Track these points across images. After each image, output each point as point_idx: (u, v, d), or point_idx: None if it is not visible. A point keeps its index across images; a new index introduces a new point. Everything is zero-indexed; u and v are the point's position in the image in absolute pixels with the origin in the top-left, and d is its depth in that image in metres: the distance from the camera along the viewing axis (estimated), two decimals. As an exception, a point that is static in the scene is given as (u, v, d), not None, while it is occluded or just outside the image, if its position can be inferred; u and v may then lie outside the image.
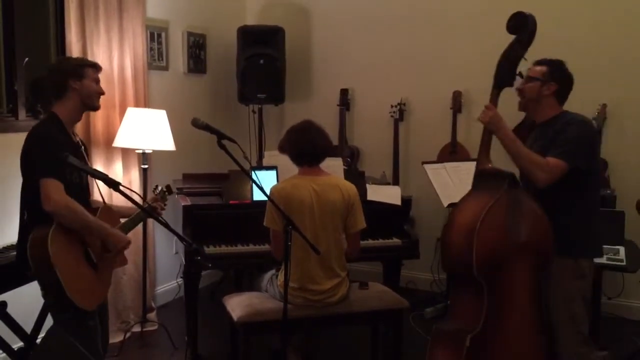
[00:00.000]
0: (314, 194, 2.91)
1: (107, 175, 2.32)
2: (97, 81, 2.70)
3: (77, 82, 2.60)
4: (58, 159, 2.28)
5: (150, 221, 3.89)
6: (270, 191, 2.92)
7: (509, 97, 2.85)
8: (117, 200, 3.25)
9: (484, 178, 2.69)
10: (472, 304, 2.57)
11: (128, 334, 3.83)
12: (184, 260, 3.35)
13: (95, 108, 2.74)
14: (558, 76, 2.75)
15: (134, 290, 3.98)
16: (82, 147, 2.74)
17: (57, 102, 2.62)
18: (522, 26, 2.64)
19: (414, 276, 4.81)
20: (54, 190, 2.40)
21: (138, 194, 2.82)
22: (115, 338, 3.76)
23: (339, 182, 3.04)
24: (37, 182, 2.40)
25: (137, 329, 3.93)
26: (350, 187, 3.02)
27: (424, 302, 4.42)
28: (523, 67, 2.77)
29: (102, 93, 2.73)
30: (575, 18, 4.35)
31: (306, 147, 2.95)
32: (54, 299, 2.44)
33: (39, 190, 2.40)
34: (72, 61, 2.74)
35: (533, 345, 2.62)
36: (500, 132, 2.68)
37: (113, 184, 2.25)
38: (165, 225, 2.26)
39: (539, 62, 2.79)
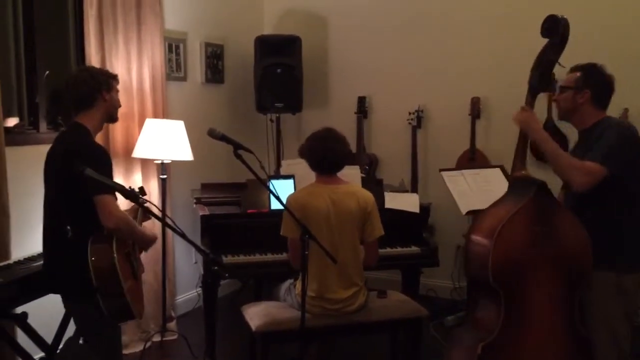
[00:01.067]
0: (331, 203, 2.91)
1: (125, 188, 2.33)
2: (118, 93, 2.73)
3: (108, 93, 2.61)
4: (75, 171, 2.29)
5: (169, 231, 3.91)
6: (287, 200, 2.92)
7: (538, 102, 2.78)
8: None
9: (516, 185, 2.64)
10: (489, 312, 2.52)
11: (148, 344, 3.85)
12: (202, 270, 3.36)
13: (116, 120, 2.77)
14: (592, 82, 2.64)
15: (154, 300, 4.00)
16: None
17: (82, 113, 2.59)
18: (553, 29, 2.56)
19: (434, 284, 4.77)
20: (114, 207, 2.42)
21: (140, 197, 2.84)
22: (136, 348, 3.79)
23: (355, 190, 3.03)
24: (91, 197, 2.39)
25: (157, 338, 3.94)
26: (368, 195, 3.00)
27: (445, 310, 4.38)
28: (562, 72, 2.69)
29: (121, 105, 2.77)
30: (597, 22, 4.28)
31: (325, 155, 2.94)
32: (110, 311, 2.43)
33: (87, 205, 2.40)
34: (102, 71, 2.73)
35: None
36: (534, 133, 2.62)
37: (132, 197, 2.26)
38: (182, 235, 2.27)
39: (572, 69, 2.69)
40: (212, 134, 2.53)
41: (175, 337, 4.04)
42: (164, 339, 3.96)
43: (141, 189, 3.00)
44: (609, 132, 2.56)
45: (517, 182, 2.64)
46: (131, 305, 2.42)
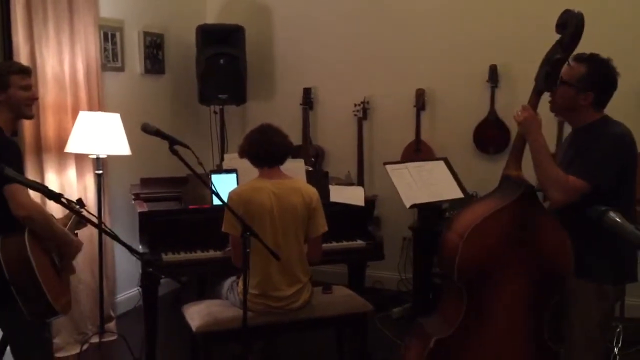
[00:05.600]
0: (274, 198, 2.85)
1: (46, 187, 2.20)
2: (27, 87, 2.54)
3: (2, 93, 2.45)
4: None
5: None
6: (229, 195, 2.85)
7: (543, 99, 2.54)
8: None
9: (504, 184, 2.49)
10: (451, 307, 2.48)
11: (85, 346, 3.70)
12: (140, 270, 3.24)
13: (29, 117, 2.62)
14: (598, 83, 2.38)
15: (92, 300, 3.85)
16: None
17: None
18: (564, 25, 2.29)
19: (380, 276, 4.77)
20: (25, 195, 2.32)
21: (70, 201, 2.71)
22: (72, 350, 3.64)
23: (300, 185, 2.98)
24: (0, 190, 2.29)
25: (95, 339, 3.79)
26: (312, 191, 2.96)
27: (391, 302, 4.39)
28: None
29: (35, 98, 2.59)
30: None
31: (265, 147, 2.88)
32: (28, 308, 2.31)
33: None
34: None
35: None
36: (531, 135, 2.40)
37: (54, 197, 2.13)
38: (114, 237, 2.17)
39: (577, 58, 2.38)
40: (146, 129, 2.42)
41: (114, 337, 3.89)
42: (103, 340, 3.81)
43: (79, 200, 2.86)
44: (601, 143, 2.37)
45: (507, 181, 2.48)
46: (51, 300, 2.30)
